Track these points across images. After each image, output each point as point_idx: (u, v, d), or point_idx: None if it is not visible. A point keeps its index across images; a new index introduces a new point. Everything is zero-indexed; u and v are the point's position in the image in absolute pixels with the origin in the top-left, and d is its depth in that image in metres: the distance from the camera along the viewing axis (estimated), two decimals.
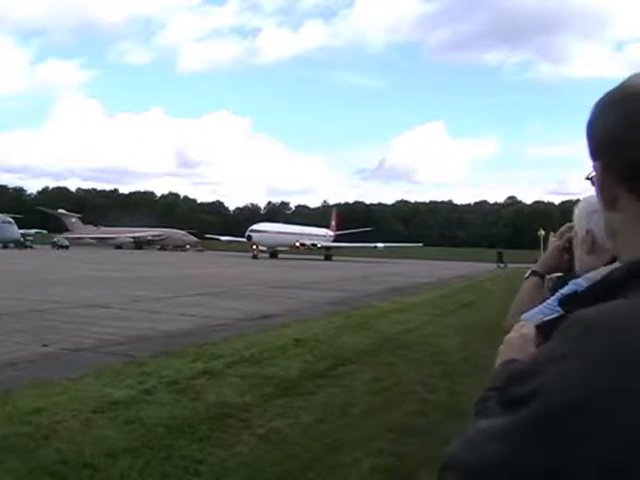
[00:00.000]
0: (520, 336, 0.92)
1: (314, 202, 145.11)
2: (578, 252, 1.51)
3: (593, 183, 0.79)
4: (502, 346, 0.96)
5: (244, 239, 60.70)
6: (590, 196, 0.83)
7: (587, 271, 1.39)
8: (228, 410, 5.88)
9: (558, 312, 0.92)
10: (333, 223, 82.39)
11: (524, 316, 1.21)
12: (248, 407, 6.04)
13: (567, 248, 1.65)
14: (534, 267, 1.70)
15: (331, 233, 77.82)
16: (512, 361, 0.89)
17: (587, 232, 1.47)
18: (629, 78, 0.76)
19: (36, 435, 4.91)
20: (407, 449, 4.95)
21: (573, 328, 0.64)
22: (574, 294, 0.78)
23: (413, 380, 7.49)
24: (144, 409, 5.78)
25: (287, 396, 6.54)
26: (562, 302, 0.78)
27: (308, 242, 65.62)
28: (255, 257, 55.78)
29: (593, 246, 1.45)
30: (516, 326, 0.99)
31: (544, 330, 0.73)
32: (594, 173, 0.78)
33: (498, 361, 0.92)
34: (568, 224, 1.56)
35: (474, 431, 0.69)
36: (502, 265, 58.62)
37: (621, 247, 0.76)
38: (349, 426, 5.59)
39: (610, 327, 0.62)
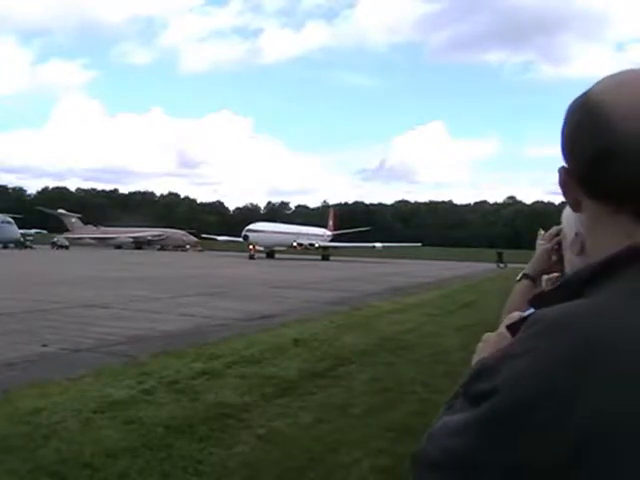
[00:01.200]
0: (498, 334, 0.93)
1: (314, 202, 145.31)
2: (568, 254, 1.52)
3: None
4: (480, 344, 0.98)
5: (241, 239, 60.34)
6: None
7: None
8: (228, 410, 5.88)
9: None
10: (331, 223, 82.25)
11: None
12: (248, 407, 6.04)
13: (557, 250, 1.65)
14: (525, 270, 1.71)
15: (329, 233, 77.58)
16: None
17: (576, 234, 1.49)
18: (594, 85, 0.78)
19: (36, 435, 4.91)
20: (407, 449, 4.94)
21: (533, 327, 0.66)
22: (541, 293, 0.80)
23: (413, 380, 7.49)
24: (144, 409, 5.78)
25: (287, 396, 6.54)
26: (530, 301, 0.81)
27: (305, 242, 65.28)
28: (252, 257, 55.27)
29: (582, 248, 1.44)
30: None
31: (513, 329, 0.75)
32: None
33: (475, 358, 0.94)
34: (556, 227, 1.57)
35: (438, 426, 0.71)
36: (502, 265, 58.56)
37: (588, 249, 0.79)
38: (349, 426, 5.59)
39: (567, 326, 0.64)
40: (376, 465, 4.64)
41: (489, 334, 0.98)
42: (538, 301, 0.77)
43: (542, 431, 0.59)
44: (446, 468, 0.66)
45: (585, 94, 0.77)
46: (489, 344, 0.94)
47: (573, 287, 0.73)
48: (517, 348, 0.65)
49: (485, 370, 0.67)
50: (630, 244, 0.71)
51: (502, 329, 0.95)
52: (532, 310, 0.84)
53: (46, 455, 4.50)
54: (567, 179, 0.78)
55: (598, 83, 0.78)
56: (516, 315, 0.88)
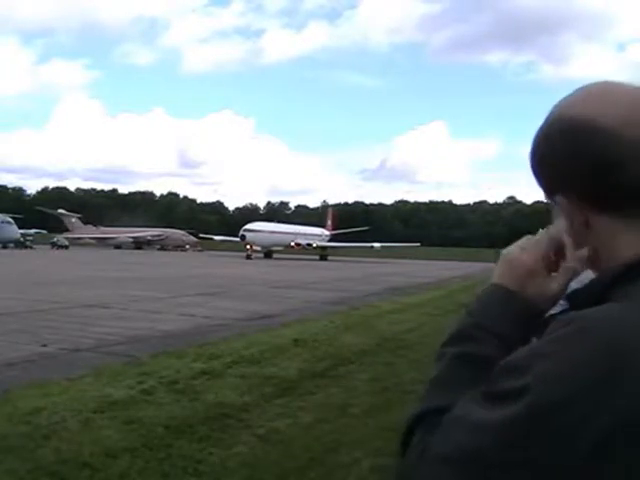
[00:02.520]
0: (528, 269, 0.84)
1: (315, 202, 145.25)
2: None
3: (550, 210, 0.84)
4: (504, 263, 0.87)
5: (239, 239, 60.09)
6: None
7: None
8: (228, 410, 5.88)
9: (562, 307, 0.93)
10: (329, 222, 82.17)
11: None
12: (248, 407, 6.04)
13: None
14: None
15: (327, 233, 77.43)
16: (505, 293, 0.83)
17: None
18: (557, 108, 0.80)
19: (35, 435, 4.91)
20: None
21: (567, 328, 0.66)
22: (576, 292, 0.80)
23: (413, 380, 7.49)
24: (144, 409, 5.78)
25: (287, 396, 6.54)
26: (569, 296, 0.81)
27: (303, 242, 65.09)
28: (249, 257, 55.09)
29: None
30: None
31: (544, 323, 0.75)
32: (557, 205, 0.81)
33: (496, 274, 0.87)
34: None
35: (453, 417, 0.69)
36: None
37: (602, 261, 0.79)
38: (349, 426, 5.60)
39: (601, 330, 0.64)
40: (376, 465, 4.63)
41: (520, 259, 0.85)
42: (576, 297, 0.78)
43: (575, 431, 0.60)
44: (464, 465, 0.65)
45: (566, 115, 0.77)
46: (518, 275, 0.84)
47: (596, 290, 0.74)
48: (551, 347, 0.65)
49: (515, 367, 0.67)
50: (635, 255, 0.73)
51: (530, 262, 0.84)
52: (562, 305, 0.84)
53: (46, 455, 4.49)
54: (570, 205, 0.78)
55: (569, 104, 0.78)
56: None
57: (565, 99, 0.80)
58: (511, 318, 0.81)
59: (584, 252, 0.80)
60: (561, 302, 1.49)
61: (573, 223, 0.79)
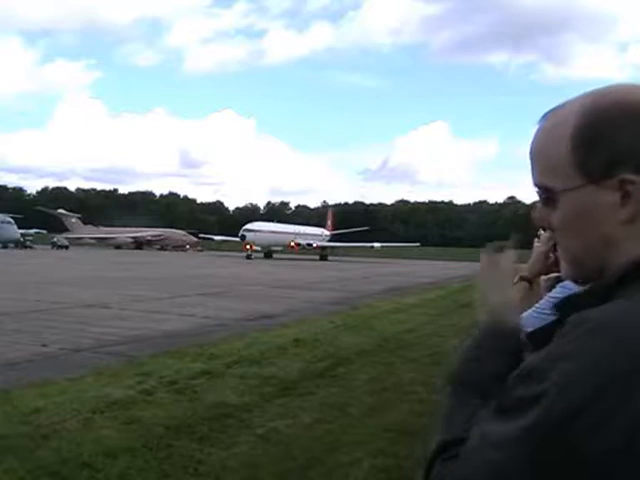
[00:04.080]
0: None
1: (316, 202, 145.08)
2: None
3: (546, 200, 0.81)
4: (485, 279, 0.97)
5: (239, 239, 59.99)
6: None
7: None
8: (227, 410, 5.88)
9: (548, 318, 0.94)
10: (329, 222, 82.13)
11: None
12: (248, 407, 6.04)
13: (553, 252, 1.67)
14: (521, 272, 1.72)
15: (327, 233, 77.34)
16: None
17: None
18: (608, 90, 0.79)
19: (35, 435, 4.91)
20: (407, 449, 4.94)
21: (581, 327, 0.66)
22: (569, 298, 0.80)
23: (413, 380, 7.49)
24: (143, 409, 5.78)
25: (287, 396, 6.54)
26: (558, 306, 0.80)
27: (303, 242, 65.00)
28: (249, 257, 55.11)
29: None
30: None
31: (536, 338, 0.75)
32: (630, 187, 0.75)
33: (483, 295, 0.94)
34: None
35: (476, 443, 0.67)
36: None
37: (624, 259, 0.78)
38: (349, 426, 5.59)
39: (616, 327, 0.64)
40: (376, 465, 4.64)
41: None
42: (567, 306, 0.77)
43: (605, 426, 0.60)
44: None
45: (623, 97, 0.76)
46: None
47: (602, 289, 0.74)
48: (568, 348, 0.65)
49: (531, 374, 0.66)
50: None
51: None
52: (545, 315, 0.85)
53: (46, 455, 4.49)
54: (633, 189, 0.74)
55: (626, 87, 0.78)
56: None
57: (624, 85, 0.79)
58: (491, 354, 0.84)
59: (549, 233, 0.82)
60: (543, 313, 1.49)
61: (624, 213, 0.75)
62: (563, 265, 0.89)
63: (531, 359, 0.69)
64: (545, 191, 0.80)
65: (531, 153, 0.82)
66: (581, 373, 0.62)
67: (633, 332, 0.63)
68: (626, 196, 0.73)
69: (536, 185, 0.81)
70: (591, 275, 0.79)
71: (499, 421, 0.66)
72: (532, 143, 0.82)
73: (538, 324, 1.41)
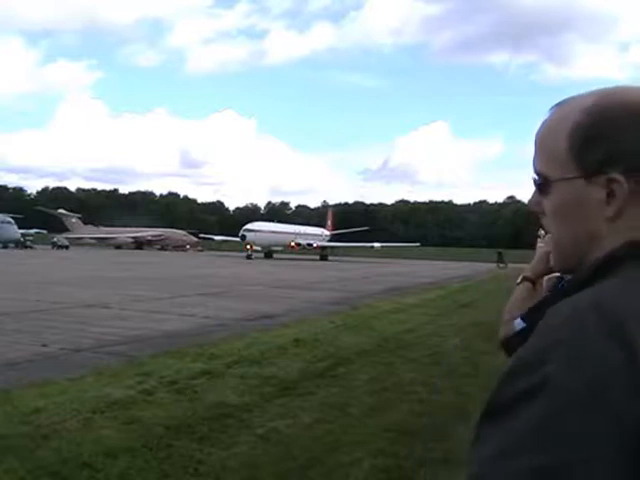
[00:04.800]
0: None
1: (316, 203, 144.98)
2: None
3: (540, 191, 0.85)
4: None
5: (239, 239, 59.95)
6: None
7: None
8: (228, 410, 5.88)
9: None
10: (329, 222, 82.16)
11: (517, 322, 1.21)
12: (248, 407, 6.04)
13: None
14: (524, 273, 1.72)
15: (327, 233, 77.33)
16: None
17: None
18: (610, 90, 0.81)
19: (35, 435, 4.91)
20: (407, 449, 4.94)
21: (553, 317, 0.67)
22: (543, 299, 0.81)
23: (413, 380, 7.49)
24: (144, 409, 5.79)
25: (287, 396, 6.54)
26: (526, 314, 0.81)
27: (303, 242, 64.97)
28: (249, 257, 55.15)
29: None
30: None
31: (520, 339, 0.75)
32: (615, 185, 0.78)
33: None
34: None
35: (477, 464, 0.62)
36: (502, 265, 58.55)
37: (607, 238, 0.80)
38: (349, 426, 5.59)
39: (603, 305, 0.66)
40: (376, 465, 4.64)
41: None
42: (542, 305, 0.78)
43: (614, 406, 0.58)
44: None
45: (623, 96, 0.79)
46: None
47: (577, 285, 0.75)
48: (553, 339, 0.64)
49: (524, 366, 0.64)
50: (628, 239, 0.74)
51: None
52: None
53: (46, 455, 4.50)
54: (621, 186, 0.76)
55: (627, 89, 0.80)
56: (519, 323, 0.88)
57: (628, 87, 0.81)
58: None
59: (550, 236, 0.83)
60: None
61: (609, 210, 0.77)
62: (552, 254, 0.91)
63: (519, 352, 0.67)
64: (542, 178, 0.84)
65: (535, 141, 0.86)
66: (577, 356, 0.61)
67: (619, 310, 0.64)
68: (611, 195, 0.77)
69: (535, 172, 0.86)
70: (571, 266, 0.83)
71: (492, 431, 0.62)
72: (537, 132, 0.86)
73: None
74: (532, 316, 0.77)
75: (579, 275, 0.78)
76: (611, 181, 0.76)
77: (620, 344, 0.61)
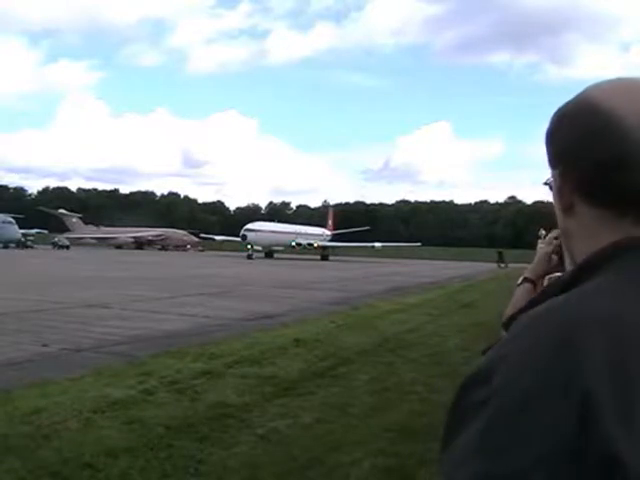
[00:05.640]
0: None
1: (316, 202, 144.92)
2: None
3: (551, 189, 0.83)
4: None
5: (240, 239, 59.97)
6: None
7: None
8: (228, 410, 5.88)
9: None
10: (330, 222, 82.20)
11: None
12: (248, 407, 6.04)
13: (557, 252, 1.68)
14: (525, 273, 1.73)
15: (328, 232, 77.40)
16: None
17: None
18: (586, 89, 0.78)
19: (36, 435, 4.91)
20: (407, 449, 4.94)
21: (518, 325, 0.67)
22: (531, 300, 0.80)
23: (414, 380, 7.49)
24: (144, 409, 5.79)
25: (287, 396, 6.54)
26: (504, 323, 0.81)
27: (304, 242, 65.06)
28: (250, 257, 55.19)
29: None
30: None
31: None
32: (552, 180, 0.81)
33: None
34: (556, 230, 1.59)
35: (442, 472, 0.63)
36: (503, 265, 58.57)
37: (575, 251, 0.79)
38: (349, 426, 5.59)
39: (545, 317, 0.65)
40: (377, 465, 4.64)
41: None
42: (521, 312, 0.76)
43: (552, 414, 0.58)
44: None
45: (587, 99, 0.76)
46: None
47: (557, 289, 0.73)
48: (507, 348, 0.65)
49: (476, 379, 0.64)
50: (610, 243, 0.72)
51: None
52: None
53: (47, 455, 4.50)
54: (562, 184, 0.77)
55: (599, 88, 0.77)
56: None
57: (598, 83, 0.78)
58: None
59: (553, 234, 0.83)
60: None
61: (560, 203, 0.79)
62: (568, 265, 0.90)
63: (479, 364, 0.67)
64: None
65: None
66: (516, 370, 0.61)
67: (556, 322, 0.63)
68: (554, 189, 0.79)
69: None
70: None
71: (451, 448, 0.63)
72: None
73: None
74: (510, 324, 0.76)
75: (561, 278, 0.77)
76: (554, 176, 0.79)
77: (563, 358, 0.60)
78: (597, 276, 0.70)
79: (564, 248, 0.83)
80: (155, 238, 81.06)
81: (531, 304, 0.74)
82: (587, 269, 0.72)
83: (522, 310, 0.74)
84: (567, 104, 0.79)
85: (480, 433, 0.60)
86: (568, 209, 0.78)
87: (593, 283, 0.69)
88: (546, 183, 0.84)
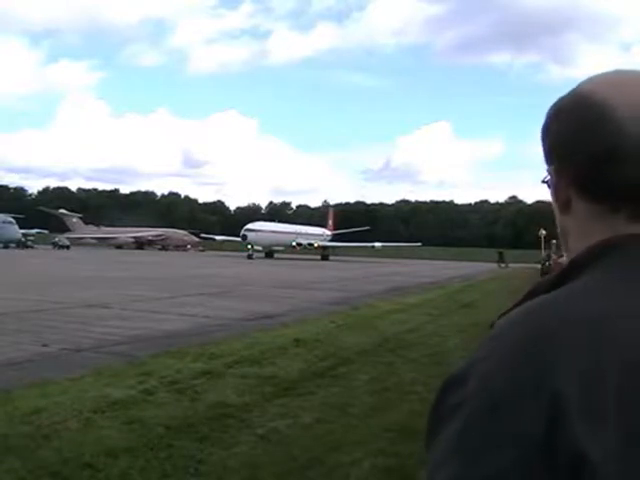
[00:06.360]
0: None
1: (317, 202, 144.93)
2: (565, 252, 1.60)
3: (549, 186, 0.81)
4: None
5: (240, 239, 60.01)
6: None
7: None
8: (228, 410, 5.88)
9: None
10: (330, 222, 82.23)
11: None
12: (248, 407, 6.04)
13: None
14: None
15: (328, 232, 77.47)
16: None
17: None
18: (580, 83, 0.78)
19: (36, 435, 4.91)
20: (407, 449, 4.94)
21: (494, 330, 0.67)
22: (519, 301, 0.80)
23: (414, 380, 7.49)
24: (144, 409, 5.79)
25: (287, 396, 6.54)
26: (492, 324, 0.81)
27: (304, 242, 65.14)
28: (250, 257, 55.24)
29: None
30: None
31: None
32: (549, 177, 0.80)
33: None
34: None
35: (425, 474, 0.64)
36: (503, 265, 58.58)
37: (571, 249, 0.78)
38: (349, 426, 5.59)
39: (520, 320, 0.65)
40: (377, 465, 4.63)
41: None
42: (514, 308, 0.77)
43: (521, 418, 0.58)
44: None
45: (580, 92, 0.76)
46: None
47: (544, 289, 0.72)
48: (482, 351, 0.65)
49: (455, 381, 0.65)
50: (599, 241, 0.71)
51: None
52: None
53: (47, 455, 4.50)
54: (558, 180, 0.77)
55: (593, 82, 0.76)
56: None
57: (591, 77, 0.78)
58: None
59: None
60: None
61: (556, 199, 0.79)
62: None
63: (458, 367, 0.67)
64: None
65: None
66: (488, 373, 0.62)
67: (532, 324, 0.63)
68: (552, 186, 0.79)
69: None
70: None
71: (434, 446, 0.63)
72: None
73: None
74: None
75: (549, 278, 0.76)
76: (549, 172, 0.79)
77: (536, 359, 0.60)
78: (585, 275, 0.69)
79: (562, 246, 0.82)
80: (155, 238, 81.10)
81: (515, 306, 0.73)
82: (576, 268, 0.71)
83: (505, 312, 0.73)
84: (562, 98, 0.79)
85: (457, 434, 0.60)
86: (564, 206, 0.77)
87: (580, 282, 0.68)
88: (544, 181, 0.83)
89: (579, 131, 0.73)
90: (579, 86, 0.78)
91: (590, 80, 0.77)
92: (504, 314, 0.72)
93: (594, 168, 0.72)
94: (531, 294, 0.73)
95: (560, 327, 0.62)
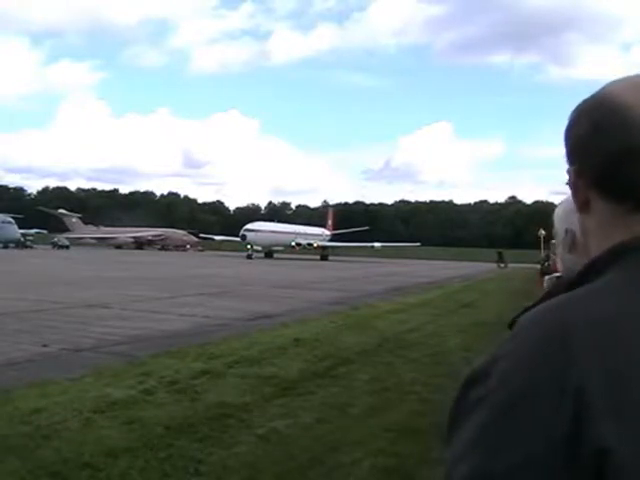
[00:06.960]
0: None
1: (316, 202, 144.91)
2: (560, 251, 1.61)
3: (571, 188, 0.82)
4: None
5: (239, 239, 60.01)
6: (569, 196, 0.86)
7: (568, 269, 1.53)
8: (228, 410, 5.88)
9: None
10: (330, 222, 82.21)
11: None
12: (248, 407, 6.04)
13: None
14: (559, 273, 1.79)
15: (327, 232, 77.44)
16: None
17: (566, 231, 1.60)
18: (604, 85, 0.79)
19: (36, 435, 4.91)
20: (407, 449, 4.94)
21: (517, 326, 0.68)
22: (543, 296, 0.81)
23: (414, 380, 7.49)
24: (144, 409, 5.79)
25: (287, 396, 6.54)
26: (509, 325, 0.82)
27: (304, 242, 65.11)
28: (250, 257, 55.26)
29: (573, 245, 1.57)
30: None
31: None
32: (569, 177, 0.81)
33: None
34: None
35: (446, 468, 0.65)
36: (502, 265, 58.56)
37: (592, 249, 0.79)
38: (349, 426, 5.59)
39: (542, 318, 0.67)
40: (376, 465, 4.64)
41: None
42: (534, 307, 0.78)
43: (546, 413, 0.59)
44: None
45: (601, 94, 0.77)
46: None
47: (563, 290, 0.73)
48: (504, 349, 0.66)
49: (476, 377, 0.66)
50: (618, 242, 0.72)
51: None
52: None
53: (47, 455, 4.50)
54: (577, 180, 0.78)
55: (614, 84, 0.78)
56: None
57: (615, 79, 0.79)
58: None
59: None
60: None
61: (576, 199, 0.79)
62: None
63: (477, 364, 0.69)
64: None
65: None
66: (511, 369, 0.63)
67: (552, 322, 0.65)
68: (572, 186, 0.80)
69: None
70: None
71: (453, 440, 0.65)
72: None
73: None
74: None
75: (568, 278, 0.79)
76: (569, 172, 0.80)
77: (557, 357, 0.61)
78: (604, 276, 0.70)
79: (583, 248, 0.83)
80: (155, 238, 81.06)
81: (535, 305, 0.75)
82: (595, 269, 0.72)
83: (525, 311, 0.75)
84: (585, 101, 0.80)
85: (477, 429, 0.62)
86: (584, 206, 0.78)
87: (598, 283, 0.69)
88: (568, 184, 0.85)
89: (598, 131, 0.75)
90: (602, 88, 0.79)
91: (611, 82, 0.79)
92: (524, 312, 0.74)
93: (612, 167, 0.73)
94: (551, 295, 0.76)
95: (578, 327, 0.63)
